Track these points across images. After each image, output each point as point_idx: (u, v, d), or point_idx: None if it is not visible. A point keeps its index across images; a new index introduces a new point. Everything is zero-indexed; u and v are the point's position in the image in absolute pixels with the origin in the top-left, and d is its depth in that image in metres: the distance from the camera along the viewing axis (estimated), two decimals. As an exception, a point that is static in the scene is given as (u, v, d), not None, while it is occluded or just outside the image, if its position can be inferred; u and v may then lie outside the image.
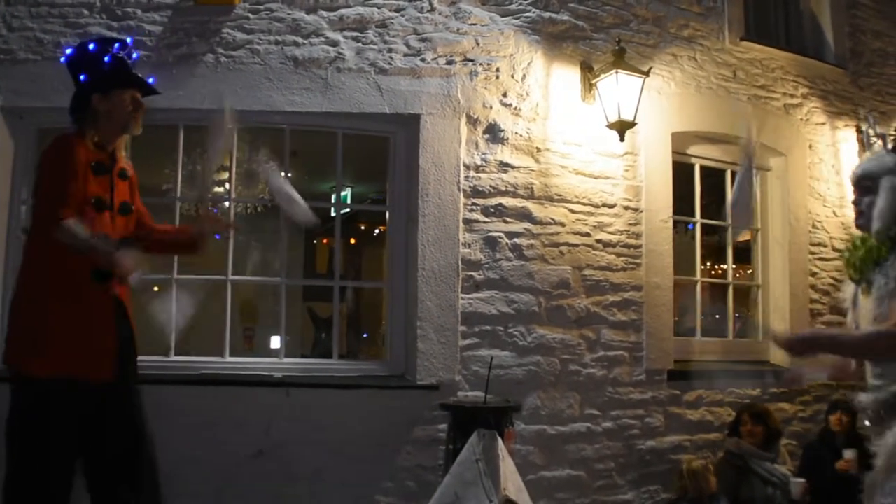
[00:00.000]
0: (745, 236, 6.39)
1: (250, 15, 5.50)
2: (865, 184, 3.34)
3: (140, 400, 3.84)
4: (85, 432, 3.62)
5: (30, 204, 3.70)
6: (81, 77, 3.78)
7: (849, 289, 3.46)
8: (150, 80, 3.95)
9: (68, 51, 3.96)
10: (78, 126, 3.73)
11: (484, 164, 5.68)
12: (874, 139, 3.86)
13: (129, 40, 4.01)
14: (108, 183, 3.73)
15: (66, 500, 3.56)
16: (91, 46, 3.83)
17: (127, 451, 3.72)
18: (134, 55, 3.94)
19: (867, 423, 3.28)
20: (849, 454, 5.69)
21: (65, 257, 3.48)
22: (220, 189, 6.55)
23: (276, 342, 6.95)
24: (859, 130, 7.27)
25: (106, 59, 3.77)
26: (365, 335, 10.23)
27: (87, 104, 3.72)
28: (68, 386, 3.48)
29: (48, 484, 3.51)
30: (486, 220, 5.64)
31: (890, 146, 3.68)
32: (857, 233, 3.45)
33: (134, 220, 3.94)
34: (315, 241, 10.24)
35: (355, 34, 5.60)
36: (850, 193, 3.63)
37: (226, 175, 5.82)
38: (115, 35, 5.25)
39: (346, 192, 7.87)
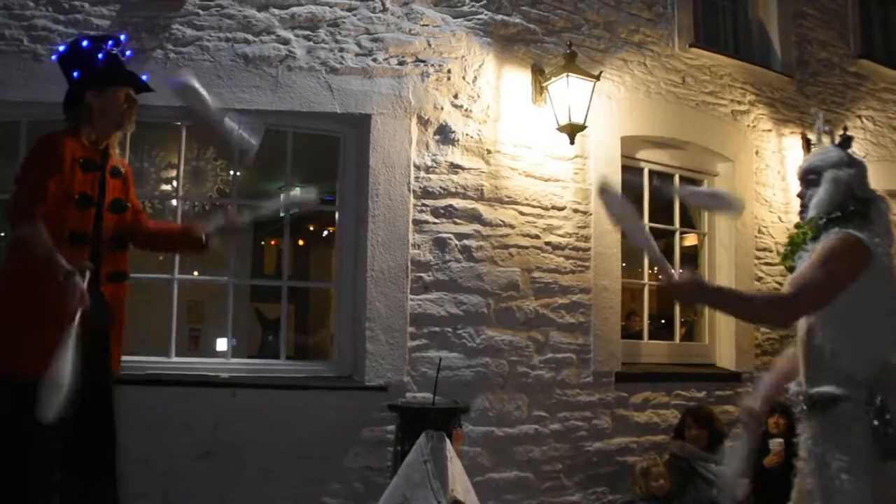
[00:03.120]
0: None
1: (200, 11, 5.44)
2: (810, 177, 3.41)
3: (101, 402, 3.77)
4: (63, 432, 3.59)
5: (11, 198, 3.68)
6: (74, 74, 3.77)
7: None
8: (144, 78, 3.94)
9: (61, 48, 3.95)
10: (71, 122, 3.73)
11: (434, 165, 5.67)
12: (825, 134, 3.92)
13: (122, 37, 4.00)
14: (98, 180, 3.72)
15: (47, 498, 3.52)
16: (84, 43, 3.83)
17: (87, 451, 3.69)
18: (128, 52, 3.93)
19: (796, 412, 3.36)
20: (775, 445, 5.76)
21: (32, 253, 3.49)
22: (168, 187, 6.45)
23: (222, 343, 6.86)
24: (804, 138, 7.40)
25: (100, 55, 3.77)
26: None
27: (80, 101, 3.72)
28: (24, 384, 3.38)
29: (24, 481, 3.47)
30: (436, 221, 5.64)
31: (837, 141, 3.75)
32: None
33: (128, 218, 3.92)
34: (263, 242, 10.16)
35: (307, 33, 5.56)
36: (795, 201, 3.70)
37: (174, 173, 5.73)
38: (61, 28, 5.20)
39: (296, 192, 7.80)
